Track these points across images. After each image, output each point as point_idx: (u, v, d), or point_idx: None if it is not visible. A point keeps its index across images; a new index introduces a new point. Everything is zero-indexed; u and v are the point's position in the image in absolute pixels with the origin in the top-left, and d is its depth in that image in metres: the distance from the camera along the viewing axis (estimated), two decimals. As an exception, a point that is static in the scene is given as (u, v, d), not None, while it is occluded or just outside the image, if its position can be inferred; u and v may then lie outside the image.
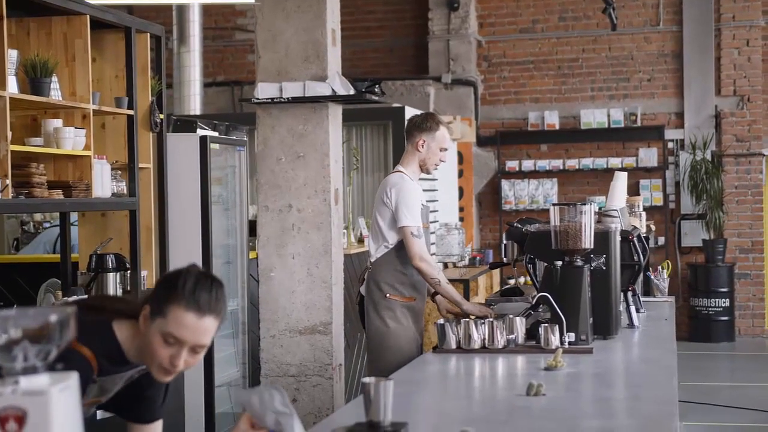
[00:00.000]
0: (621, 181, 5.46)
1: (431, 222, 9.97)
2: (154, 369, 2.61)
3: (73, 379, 1.78)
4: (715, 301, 12.12)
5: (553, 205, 4.46)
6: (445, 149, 5.31)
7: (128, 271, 5.49)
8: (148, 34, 5.80)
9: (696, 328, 12.23)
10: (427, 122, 5.27)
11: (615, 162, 12.48)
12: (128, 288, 5.51)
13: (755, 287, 12.49)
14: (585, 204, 4.42)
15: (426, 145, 5.23)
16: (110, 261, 5.35)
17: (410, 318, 5.20)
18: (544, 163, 12.75)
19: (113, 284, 5.35)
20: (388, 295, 5.16)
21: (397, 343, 5.14)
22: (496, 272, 11.06)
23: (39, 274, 6.04)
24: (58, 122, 4.94)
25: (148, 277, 5.77)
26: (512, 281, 12.25)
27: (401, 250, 5.15)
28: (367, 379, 2.74)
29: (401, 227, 5.08)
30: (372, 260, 5.28)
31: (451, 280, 9.17)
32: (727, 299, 12.14)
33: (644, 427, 2.88)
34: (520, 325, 4.33)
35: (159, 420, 2.90)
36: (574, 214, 4.39)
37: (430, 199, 10.16)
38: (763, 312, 12.54)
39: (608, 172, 12.46)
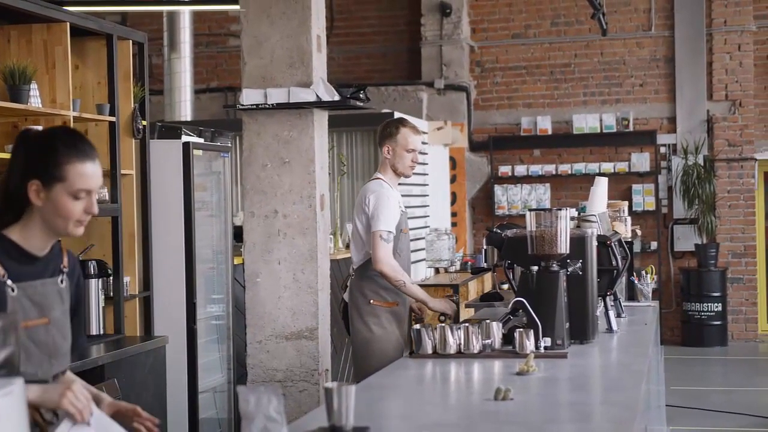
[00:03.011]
0: (601, 186, 5.48)
1: (421, 227, 10.04)
2: (69, 227, 2.69)
3: (17, 384, 1.80)
4: (708, 306, 12.13)
5: (530, 210, 4.47)
6: (413, 150, 5.37)
7: (110, 278, 5.50)
8: (131, 41, 5.83)
9: (688, 332, 12.24)
10: (387, 128, 5.40)
11: (607, 167, 12.50)
12: (111, 294, 5.53)
13: (748, 292, 12.49)
14: (561, 209, 4.44)
15: (391, 150, 5.35)
16: (92, 267, 5.36)
17: (394, 323, 5.26)
18: (536, 168, 12.77)
19: (95, 290, 5.36)
20: (372, 301, 5.25)
21: (382, 349, 5.18)
22: (488, 277, 11.07)
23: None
24: (38, 129, 4.95)
25: (131, 283, 5.79)
26: (506, 286, 12.26)
27: None
28: (328, 384, 2.77)
29: (372, 231, 5.17)
30: (354, 267, 5.36)
31: (441, 286, 9.25)
32: (720, 304, 12.15)
33: (607, 430, 2.89)
34: (497, 330, 4.34)
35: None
36: (550, 219, 4.40)
37: (421, 204, 10.20)
38: (755, 316, 12.54)
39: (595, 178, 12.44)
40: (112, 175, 5.55)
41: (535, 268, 4.40)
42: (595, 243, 4.69)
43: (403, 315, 5.34)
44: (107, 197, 5.51)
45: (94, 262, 5.38)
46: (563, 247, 4.39)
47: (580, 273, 4.52)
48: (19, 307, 2.63)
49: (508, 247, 4.72)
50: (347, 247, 8.06)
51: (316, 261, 5.87)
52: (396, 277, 5.14)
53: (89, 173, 2.69)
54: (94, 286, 5.36)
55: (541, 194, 12.77)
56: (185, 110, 10.63)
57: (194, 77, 11.20)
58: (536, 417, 3.12)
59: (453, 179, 12.33)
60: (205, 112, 12.69)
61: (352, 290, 5.32)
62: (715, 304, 12.13)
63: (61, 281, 2.79)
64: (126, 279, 5.68)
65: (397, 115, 9.87)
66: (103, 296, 5.42)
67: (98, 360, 4.73)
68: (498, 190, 12.84)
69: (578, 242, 4.54)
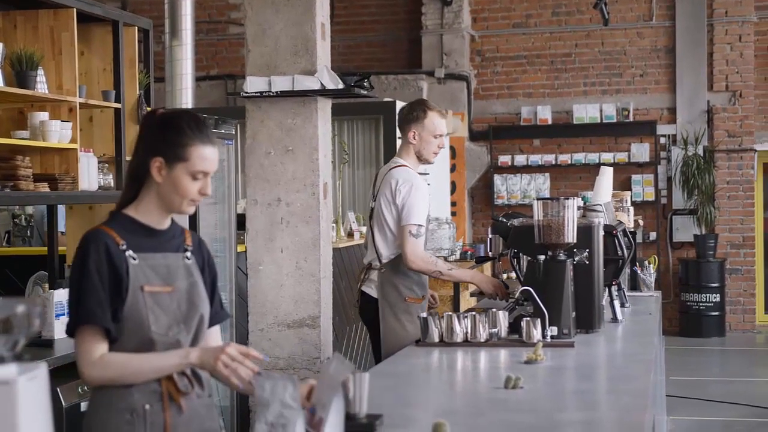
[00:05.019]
0: (606, 176, 5.48)
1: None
2: (183, 205, 2.83)
3: (41, 369, 1.80)
4: (706, 296, 12.15)
5: (537, 199, 4.47)
6: (440, 135, 5.15)
7: (115, 264, 5.49)
8: (136, 28, 5.81)
9: (687, 323, 12.27)
10: (413, 112, 5.15)
11: (607, 157, 12.51)
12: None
13: (746, 282, 12.52)
14: (568, 199, 4.44)
15: (417, 135, 5.13)
16: (97, 254, 5.34)
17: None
18: (536, 158, 12.77)
19: (100, 277, 5.35)
20: (407, 298, 5.05)
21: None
22: (488, 266, 11.09)
23: (28, 266, 6.05)
24: (44, 115, 4.95)
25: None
26: (505, 276, 12.27)
27: None
28: (342, 372, 2.77)
29: (402, 225, 4.95)
30: (383, 260, 5.11)
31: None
32: (718, 294, 12.18)
33: (617, 419, 2.90)
34: (503, 318, 4.35)
35: (217, 325, 3.05)
36: (557, 208, 4.40)
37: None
38: (753, 307, 12.57)
39: (600, 167, 12.46)
40: (117, 162, 5.55)
41: (542, 257, 4.41)
42: (602, 232, 4.69)
43: (425, 307, 5.25)
44: (112, 184, 5.51)
45: (98, 248, 5.36)
46: (570, 236, 4.39)
47: (587, 262, 4.52)
48: (141, 274, 2.79)
49: (514, 236, 4.72)
50: (349, 235, 8.06)
51: (319, 249, 5.87)
52: (429, 269, 4.94)
53: (209, 157, 2.82)
54: (99, 272, 5.35)
55: (541, 184, 12.78)
56: (186, 98, 10.53)
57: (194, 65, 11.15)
58: (547, 405, 3.13)
59: (453, 168, 12.33)
60: (205, 100, 12.66)
61: (383, 286, 5.07)
62: (714, 294, 12.16)
63: (187, 258, 2.91)
64: (130, 266, 5.66)
65: (400, 105, 9.87)
66: (107, 283, 5.40)
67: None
68: (497, 179, 12.85)
69: (585, 232, 4.54)
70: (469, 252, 10.77)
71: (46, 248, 6.29)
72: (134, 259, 2.78)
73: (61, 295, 5.07)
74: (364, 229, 8.29)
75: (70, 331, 2.79)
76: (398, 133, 9.70)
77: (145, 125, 2.89)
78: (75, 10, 5.14)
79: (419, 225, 4.95)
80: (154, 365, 2.77)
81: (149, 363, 2.76)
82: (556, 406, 3.15)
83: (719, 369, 10.77)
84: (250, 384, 2.70)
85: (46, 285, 5.40)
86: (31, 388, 1.77)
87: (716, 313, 12.20)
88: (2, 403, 1.73)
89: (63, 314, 4.77)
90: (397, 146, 9.62)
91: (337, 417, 2.58)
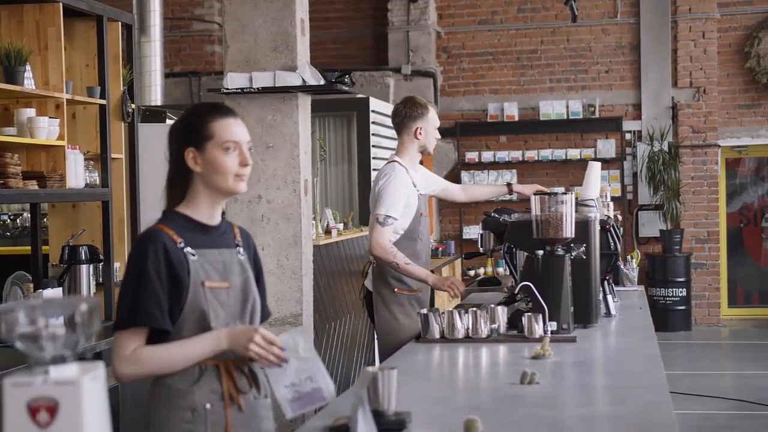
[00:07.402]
0: (595, 170, 5.49)
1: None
2: (230, 183, 2.81)
3: (100, 369, 1.76)
4: (672, 291, 12.26)
5: (534, 194, 4.47)
6: (437, 127, 5.35)
7: (101, 263, 5.42)
8: (120, 23, 5.73)
9: (653, 317, 12.20)
10: (417, 109, 5.25)
11: (574, 153, 12.57)
12: (101, 280, 5.44)
13: (711, 277, 12.65)
14: (566, 193, 4.44)
15: (423, 131, 5.25)
16: (83, 253, 5.27)
17: (418, 309, 5.10)
18: (503, 155, 12.80)
19: (86, 276, 5.27)
20: (396, 290, 5.12)
21: (409, 338, 5.05)
22: (458, 263, 11.11)
23: (8, 266, 5.94)
24: (31, 111, 4.86)
25: (121, 269, 5.69)
26: (472, 272, 12.29)
27: (404, 242, 5.08)
28: (371, 368, 2.74)
29: (371, 213, 5.06)
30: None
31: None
32: (684, 289, 12.28)
33: (644, 413, 2.89)
34: (502, 314, 4.34)
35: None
36: (554, 203, 4.40)
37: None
38: (718, 301, 12.70)
39: (567, 164, 12.56)
40: (102, 159, 5.46)
41: (541, 252, 4.40)
42: (597, 227, 4.70)
43: (425, 300, 5.25)
44: (98, 181, 5.42)
45: (85, 247, 5.29)
46: (569, 231, 4.40)
47: (584, 257, 4.52)
48: (201, 270, 2.77)
49: (510, 232, 4.71)
50: (327, 232, 8.01)
51: (300, 246, 5.85)
52: (388, 259, 4.98)
53: (233, 126, 2.82)
54: (86, 271, 5.28)
55: (508, 180, 12.80)
56: (156, 94, 10.47)
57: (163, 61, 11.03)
58: (570, 400, 3.12)
59: (420, 165, 12.31)
60: (169, 97, 12.52)
61: (375, 279, 5.15)
62: (680, 289, 12.26)
63: (240, 253, 2.89)
64: (116, 264, 5.59)
65: (373, 101, 9.85)
66: (94, 282, 5.33)
67: (96, 347, 4.64)
68: (465, 176, 12.86)
69: (582, 226, 4.55)
70: (440, 249, 10.78)
71: (24, 248, 6.20)
72: (193, 255, 2.78)
73: (50, 295, 4.99)
74: (341, 226, 8.27)
75: (119, 328, 2.75)
76: (373, 129, 9.69)
77: (169, 134, 2.90)
78: (61, 4, 5.04)
79: (387, 215, 5.01)
80: (186, 354, 2.73)
81: (182, 352, 2.72)
82: (579, 401, 3.14)
83: (687, 363, 10.86)
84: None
85: (30, 285, 5.30)
86: (94, 387, 1.73)
87: (682, 308, 12.31)
88: (67, 404, 1.69)
89: (55, 314, 4.67)
90: (371, 142, 9.65)
91: (366, 422, 2.55)
